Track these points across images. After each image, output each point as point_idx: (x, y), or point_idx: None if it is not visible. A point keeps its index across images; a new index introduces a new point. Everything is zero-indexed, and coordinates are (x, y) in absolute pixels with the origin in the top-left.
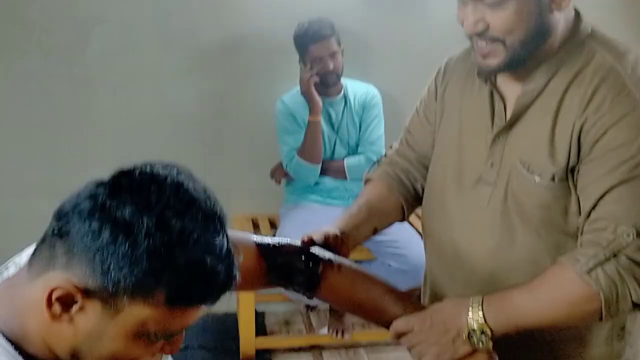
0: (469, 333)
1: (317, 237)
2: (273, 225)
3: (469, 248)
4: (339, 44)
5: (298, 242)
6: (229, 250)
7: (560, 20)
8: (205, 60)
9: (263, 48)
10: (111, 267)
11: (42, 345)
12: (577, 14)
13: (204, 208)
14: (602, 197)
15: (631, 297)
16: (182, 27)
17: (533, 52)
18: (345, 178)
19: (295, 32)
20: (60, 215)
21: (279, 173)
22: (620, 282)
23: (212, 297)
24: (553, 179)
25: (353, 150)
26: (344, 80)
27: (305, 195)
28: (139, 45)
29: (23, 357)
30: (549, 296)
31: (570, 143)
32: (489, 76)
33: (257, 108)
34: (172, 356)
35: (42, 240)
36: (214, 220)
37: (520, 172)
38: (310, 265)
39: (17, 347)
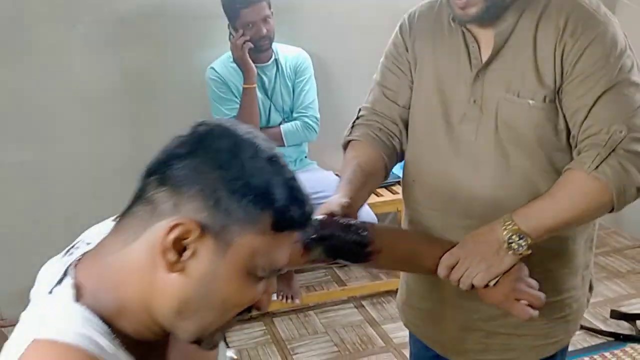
0: (508, 242)
1: (336, 209)
2: None
3: (465, 181)
4: (269, 7)
5: (334, 216)
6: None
7: None
8: (125, 32)
9: (186, 14)
10: (222, 196)
11: (140, 314)
12: None
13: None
14: (592, 107)
15: (634, 182)
16: None
17: None
18: (283, 145)
19: None
20: (154, 170)
21: None
22: (624, 171)
23: (306, 219)
24: (544, 99)
25: (287, 116)
26: (273, 45)
27: None
28: (45, 19)
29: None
30: (567, 196)
31: (554, 66)
32: (465, 24)
33: (187, 79)
34: None
35: (136, 203)
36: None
37: (510, 101)
38: (361, 235)
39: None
